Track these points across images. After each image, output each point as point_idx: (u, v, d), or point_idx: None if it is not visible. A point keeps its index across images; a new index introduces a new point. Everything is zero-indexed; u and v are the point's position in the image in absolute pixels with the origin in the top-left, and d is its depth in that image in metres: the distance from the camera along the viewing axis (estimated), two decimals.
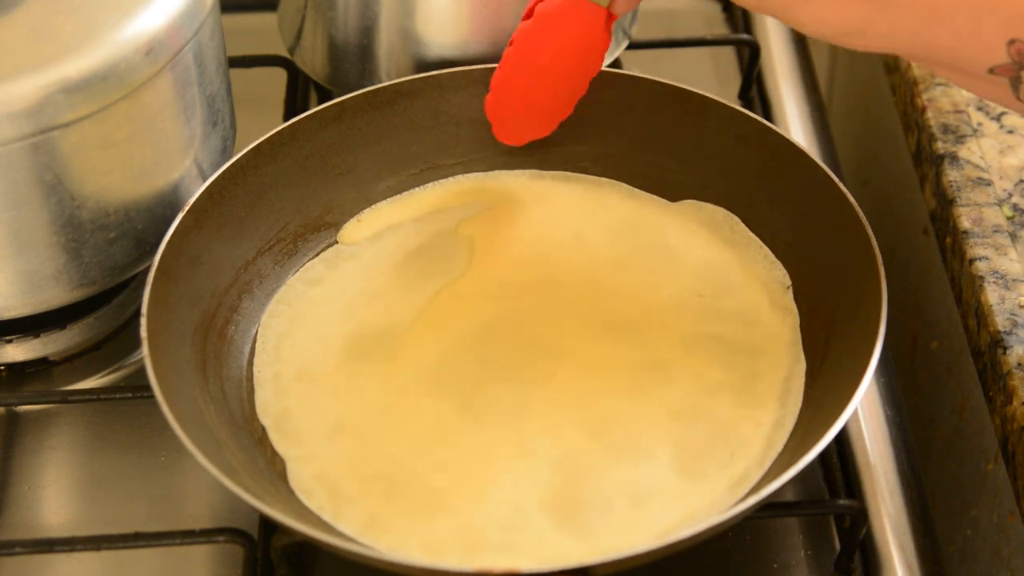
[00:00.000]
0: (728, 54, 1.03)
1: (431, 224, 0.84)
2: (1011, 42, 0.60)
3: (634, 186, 0.86)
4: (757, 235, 0.82)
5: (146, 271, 0.73)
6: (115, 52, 0.71)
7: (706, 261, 0.81)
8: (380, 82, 0.87)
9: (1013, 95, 0.62)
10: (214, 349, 0.75)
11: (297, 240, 0.82)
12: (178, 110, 0.77)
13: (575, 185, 0.86)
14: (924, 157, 0.91)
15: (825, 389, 0.71)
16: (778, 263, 0.80)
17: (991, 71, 0.62)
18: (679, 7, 1.08)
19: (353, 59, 0.90)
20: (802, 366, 0.75)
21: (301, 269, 0.82)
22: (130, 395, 0.77)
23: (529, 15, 0.80)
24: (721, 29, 1.06)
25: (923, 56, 0.64)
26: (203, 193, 0.77)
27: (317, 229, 0.83)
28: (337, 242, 0.84)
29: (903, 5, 0.62)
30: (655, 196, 0.85)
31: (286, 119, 0.83)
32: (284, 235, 0.82)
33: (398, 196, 0.86)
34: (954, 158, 0.88)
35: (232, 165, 0.79)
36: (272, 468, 0.72)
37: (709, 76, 1.02)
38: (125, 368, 0.82)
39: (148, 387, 0.68)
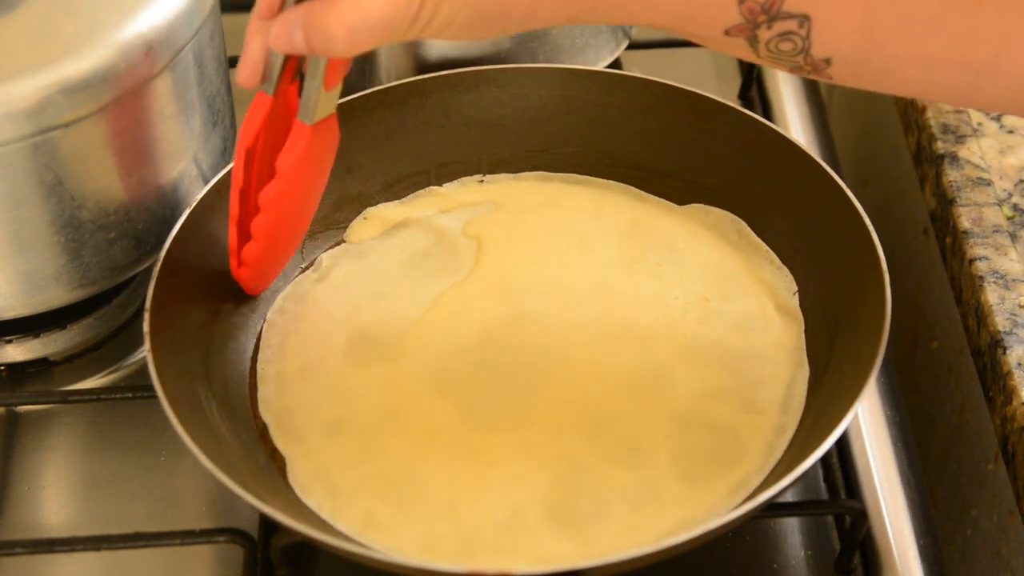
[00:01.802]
0: (728, 55, 1.03)
1: (438, 224, 0.84)
2: (741, 1, 0.59)
3: (641, 189, 0.86)
4: (764, 240, 0.81)
5: (146, 271, 0.73)
6: (115, 52, 0.71)
7: (712, 265, 0.81)
8: (380, 83, 0.87)
9: (754, 54, 0.61)
10: (218, 346, 0.75)
11: (303, 237, 0.83)
12: (178, 110, 0.77)
13: (582, 187, 0.86)
14: (924, 157, 0.91)
15: (827, 396, 0.71)
16: (784, 268, 0.80)
17: (727, 33, 0.60)
18: None
19: (353, 60, 0.90)
20: (805, 372, 0.75)
21: (307, 267, 0.82)
22: (130, 395, 0.77)
23: (259, 183, 0.73)
24: None
25: (661, 23, 0.61)
26: (210, 190, 0.77)
27: (324, 227, 0.83)
28: (344, 240, 0.84)
29: None
30: (662, 199, 0.85)
31: None
32: None
33: (406, 196, 0.86)
34: (954, 158, 0.88)
35: None
36: (272, 465, 0.72)
37: (709, 76, 1.02)
38: (125, 368, 0.82)
39: (148, 387, 0.68)
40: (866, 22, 0.58)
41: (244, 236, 0.74)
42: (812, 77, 0.62)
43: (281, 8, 0.64)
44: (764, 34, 0.60)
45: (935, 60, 0.59)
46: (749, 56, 0.61)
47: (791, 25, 0.59)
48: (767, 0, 0.58)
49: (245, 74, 0.67)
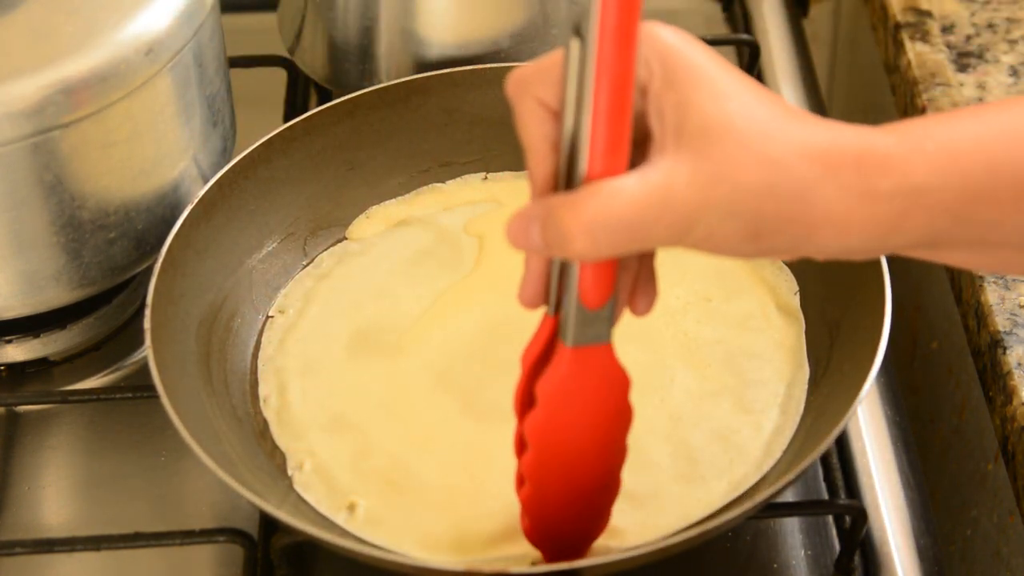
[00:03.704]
0: (728, 54, 1.03)
1: (440, 222, 0.84)
2: None
3: None
4: None
5: (146, 271, 0.73)
6: (115, 52, 0.71)
7: (714, 265, 0.80)
8: (380, 82, 0.87)
9: None
10: (219, 342, 0.76)
11: (306, 235, 0.83)
12: (178, 110, 0.77)
13: None
14: None
15: (827, 396, 0.71)
16: (786, 268, 0.80)
17: None
18: (679, 7, 1.08)
19: (353, 59, 0.90)
20: (805, 373, 0.75)
21: (309, 264, 0.82)
22: (130, 395, 0.77)
23: (525, 407, 0.61)
24: (721, 29, 1.06)
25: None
26: (213, 185, 0.77)
27: (326, 225, 0.83)
28: (346, 238, 0.84)
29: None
30: None
31: (286, 119, 0.84)
32: (293, 230, 0.82)
33: (408, 194, 0.86)
34: None
35: (244, 158, 0.79)
36: (272, 462, 0.72)
37: None
38: (125, 368, 0.82)
39: (148, 387, 0.68)
40: None
41: (520, 478, 0.63)
42: None
43: None
44: None
45: None
46: None
47: None
48: None
49: (526, 294, 0.58)
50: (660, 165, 0.51)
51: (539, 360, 0.60)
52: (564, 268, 0.56)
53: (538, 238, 0.53)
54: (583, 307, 0.56)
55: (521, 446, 0.62)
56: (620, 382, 0.60)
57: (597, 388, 0.60)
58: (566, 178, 0.54)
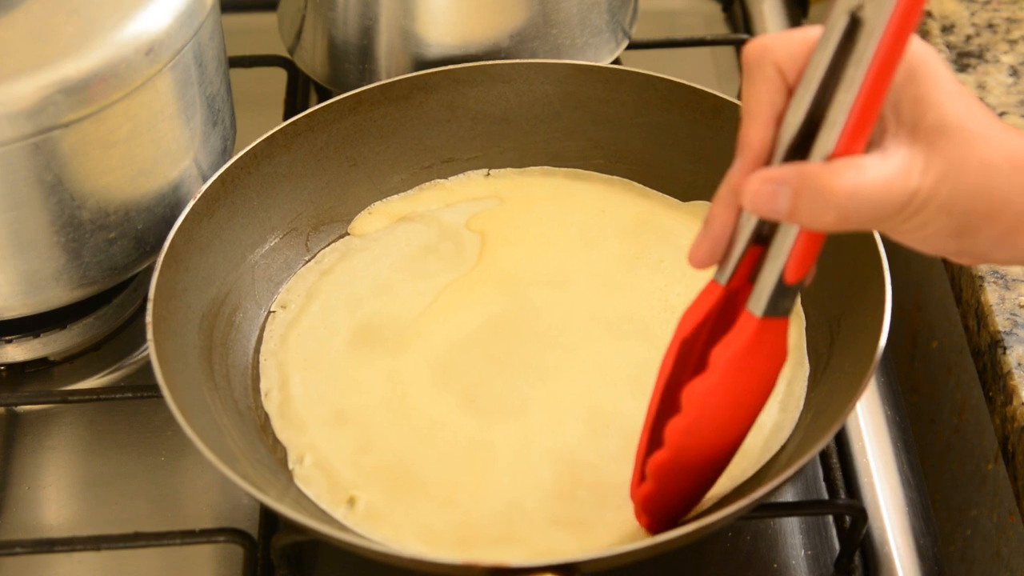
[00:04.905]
0: (728, 54, 1.03)
1: (442, 218, 0.84)
2: None
3: (646, 185, 0.86)
4: None
5: (147, 271, 0.73)
6: (115, 52, 0.71)
7: None
8: (380, 80, 0.87)
9: None
10: (221, 336, 0.76)
11: (308, 231, 0.83)
12: (178, 110, 0.77)
13: (586, 183, 0.87)
14: None
15: (826, 394, 0.71)
16: None
17: None
18: (679, 7, 1.08)
19: (353, 59, 0.90)
20: (805, 370, 0.75)
21: (311, 260, 0.82)
22: (130, 395, 0.77)
23: (679, 376, 0.63)
24: (721, 29, 1.06)
25: None
26: (216, 181, 0.77)
27: (329, 220, 0.84)
28: (348, 234, 0.84)
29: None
30: (666, 195, 0.85)
31: (286, 119, 0.84)
32: (295, 225, 0.82)
33: (410, 190, 0.86)
34: None
35: (246, 154, 0.79)
36: (273, 456, 0.72)
37: (709, 75, 1.02)
38: (125, 368, 0.82)
39: (148, 387, 0.68)
40: None
41: (655, 441, 0.64)
42: None
43: None
44: None
45: None
46: None
47: None
48: None
49: (700, 252, 0.59)
50: (898, 153, 0.54)
51: (699, 328, 0.61)
52: (769, 240, 0.58)
53: (787, 202, 0.54)
54: (783, 280, 0.58)
55: (659, 411, 0.63)
56: (783, 357, 0.62)
57: (768, 360, 0.61)
58: (788, 150, 0.56)
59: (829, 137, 0.54)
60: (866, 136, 0.55)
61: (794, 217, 0.54)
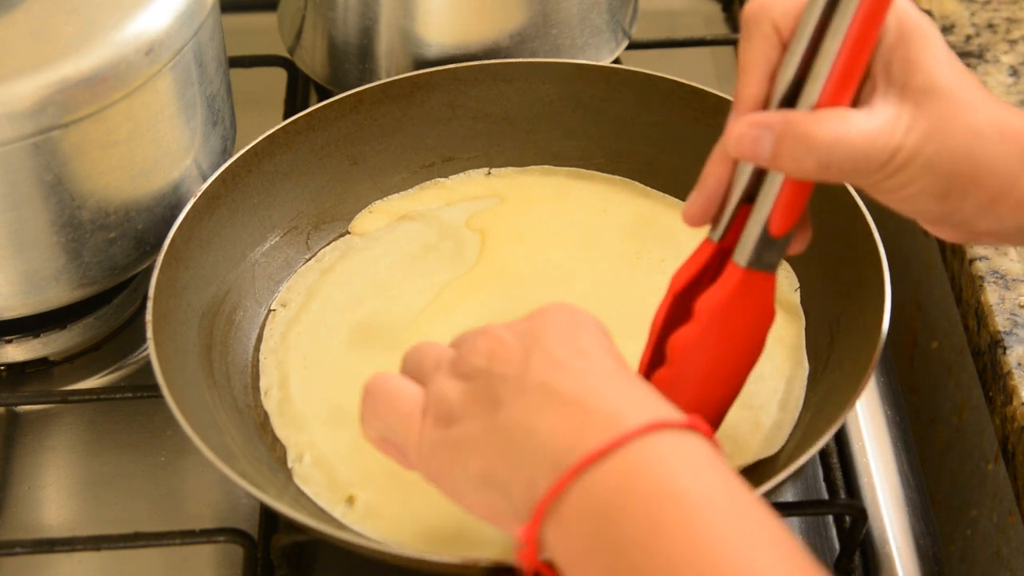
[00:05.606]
0: (728, 54, 1.03)
1: (442, 217, 0.85)
2: None
3: (647, 184, 0.86)
4: None
5: (147, 271, 0.73)
6: (115, 52, 0.71)
7: None
8: (380, 80, 0.87)
9: None
10: (221, 334, 0.76)
11: (308, 229, 0.83)
12: (178, 110, 0.77)
13: (587, 182, 0.87)
14: None
15: (826, 393, 0.71)
16: (787, 265, 0.80)
17: None
18: (679, 7, 1.08)
19: (353, 59, 0.90)
20: (804, 370, 0.75)
21: (312, 258, 0.83)
22: (130, 395, 0.77)
23: (667, 320, 0.63)
24: (721, 29, 1.06)
25: None
26: (216, 179, 0.77)
27: (329, 219, 0.84)
28: (348, 232, 0.84)
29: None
30: (667, 195, 0.85)
31: (286, 119, 0.84)
32: (296, 224, 0.82)
33: (411, 188, 0.86)
34: None
35: (247, 152, 0.79)
36: (272, 454, 0.72)
37: (709, 75, 1.02)
38: (125, 368, 0.82)
39: (148, 387, 0.68)
40: None
41: None
42: None
43: None
44: None
45: None
46: None
47: None
48: None
49: (694, 209, 0.61)
50: (885, 110, 0.55)
51: (691, 283, 0.62)
52: (755, 191, 0.59)
53: (769, 147, 0.56)
54: (767, 231, 0.59)
55: (649, 366, 0.64)
56: (770, 317, 0.63)
57: (753, 315, 0.62)
58: (780, 104, 0.57)
59: (814, 87, 0.56)
60: (851, 88, 0.56)
61: (776, 163, 0.56)
